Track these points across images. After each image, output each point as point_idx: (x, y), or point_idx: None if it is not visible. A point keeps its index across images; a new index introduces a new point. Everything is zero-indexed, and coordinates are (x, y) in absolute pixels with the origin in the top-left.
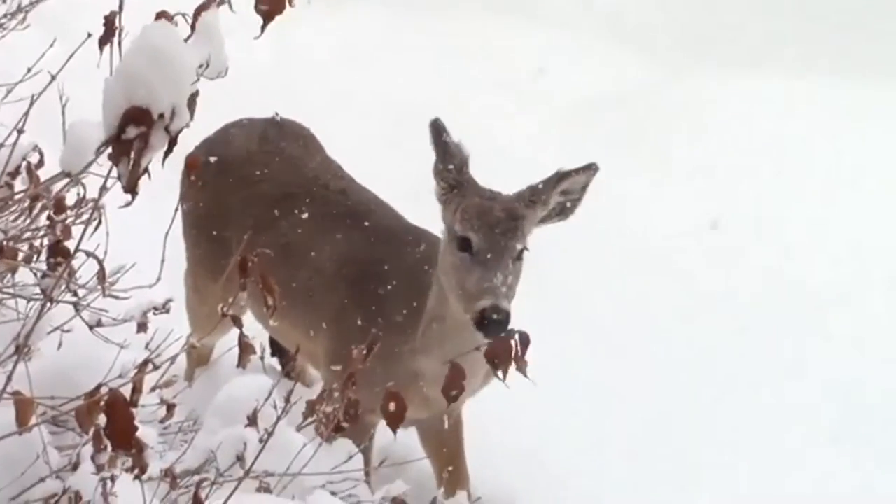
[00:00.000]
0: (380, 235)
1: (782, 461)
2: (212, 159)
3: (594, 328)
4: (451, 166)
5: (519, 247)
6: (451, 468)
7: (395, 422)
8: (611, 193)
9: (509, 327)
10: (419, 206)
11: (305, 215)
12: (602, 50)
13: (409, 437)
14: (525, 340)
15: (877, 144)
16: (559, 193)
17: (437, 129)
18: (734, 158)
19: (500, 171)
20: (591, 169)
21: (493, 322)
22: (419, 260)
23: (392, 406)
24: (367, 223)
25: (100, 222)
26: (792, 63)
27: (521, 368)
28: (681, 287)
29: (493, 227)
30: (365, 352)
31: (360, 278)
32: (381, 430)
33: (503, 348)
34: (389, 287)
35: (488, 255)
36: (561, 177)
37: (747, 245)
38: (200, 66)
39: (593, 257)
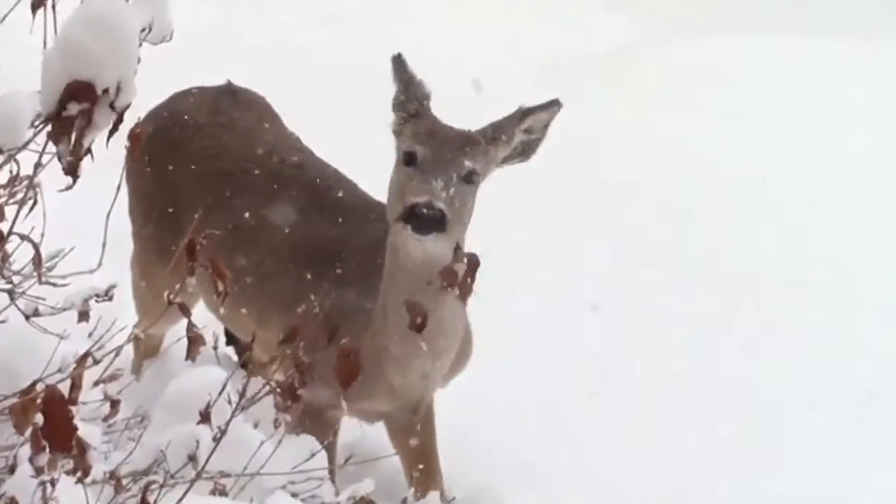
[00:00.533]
0: (340, 213)
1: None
2: (158, 132)
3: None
4: (412, 95)
5: (469, 165)
6: (421, 465)
7: (347, 380)
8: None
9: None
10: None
11: (258, 192)
12: (580, 9)
13: (376, 432)
14: (474, 263)
15: (857, 101)
16: (522, 131)
17: (400, 63)
18: (711, 122)
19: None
20: (554, 105)
21: (422, 216)
22: (380, 237)
23: (344, 367)
24: (326, 200)
25: (35, 202)
26: (765, 22)
27: (464, 293)
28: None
29: (442, 141)
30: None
31: (317, 260)
32: (347, 425)
33: (450, 272)
34: (350, 269)
35: (432, 165)
36: (524, 113)
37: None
38: (143, 30)
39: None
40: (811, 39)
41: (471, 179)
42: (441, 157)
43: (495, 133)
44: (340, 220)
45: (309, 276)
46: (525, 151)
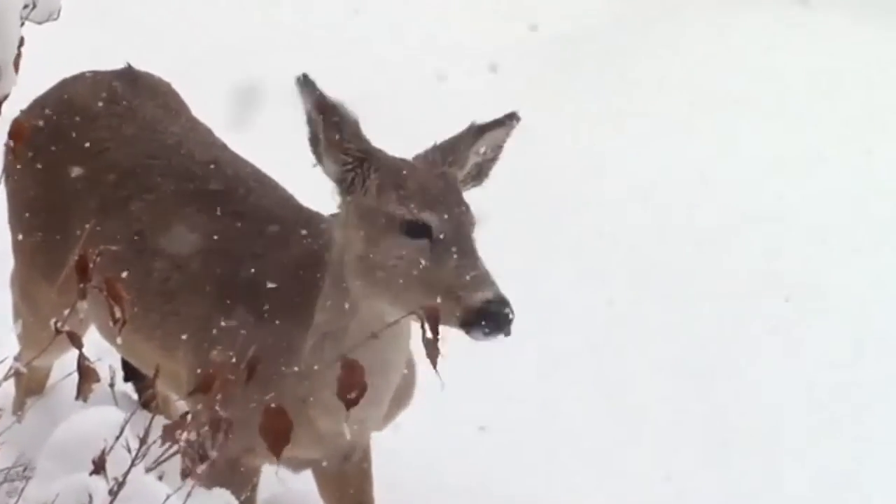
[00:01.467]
0: (260, 221)
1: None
2: (44, 124)
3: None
4: (349, 136)
5: (471, 214)
6: None
7: (277, 446)
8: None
9: None
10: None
11: (163, 195)
12: None
13: (302, 482)
14: (433, 317)
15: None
16: (475, 153)
17: (311, 88)
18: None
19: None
20: (511, 120)
21: (501, 317)
22: (312, 254)
23: (274, 427)
24: (242, 205)
25: None
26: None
27: (432, 356)
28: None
29: (446, 200)
30: (244, 373)
31: (232, 278)
32: (267, 475)
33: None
34: (271, 290)
35: (458, 237)
36: (478, 132)
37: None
38: (25, 6)
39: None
40: (808, 16)
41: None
42: (461, 224)
43: (449, 156)
44: (262, 230)
45: (223, 299)
46: (479, 175)
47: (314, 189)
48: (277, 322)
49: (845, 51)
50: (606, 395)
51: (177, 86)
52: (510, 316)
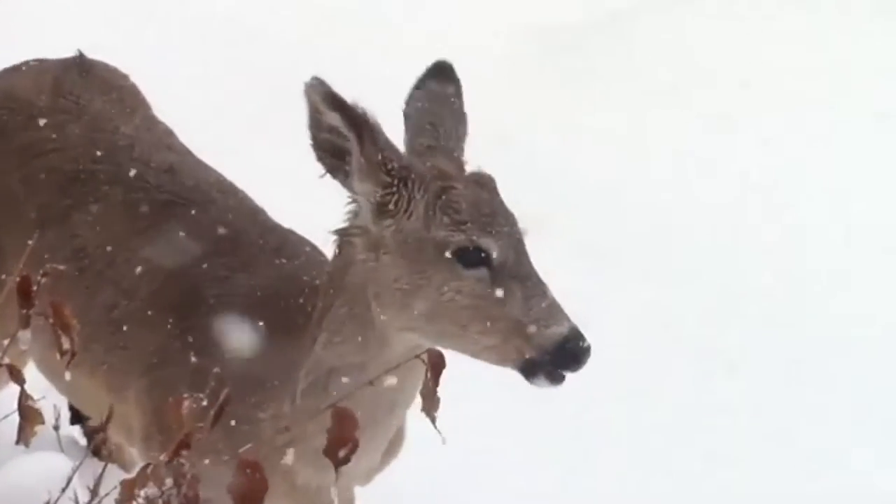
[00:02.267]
0: (224, 238)
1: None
2: None
3: None
4: (387, 153)
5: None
6: None
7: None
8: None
9: None
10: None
11: (110, 205)
12: None
13: None
14: (438, 364)
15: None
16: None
17: (328, 94)
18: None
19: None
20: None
21: (581, 352)
22: (289, 278)
23: (245, 483)
24: (204, 219)
25: None
26: None
27: (429, 408)
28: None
29: (500, 218)
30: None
31: (192, 305)
32: None
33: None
34: (239, 319)
35: (519, 261)
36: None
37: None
38: None
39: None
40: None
41: None
42: (522, 250)
43: (459, 144)
44: (225, 248)
45: (179, 330)
46: None
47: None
48: (249, 358)
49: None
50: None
51: (140, 80)
52: (589, 350)
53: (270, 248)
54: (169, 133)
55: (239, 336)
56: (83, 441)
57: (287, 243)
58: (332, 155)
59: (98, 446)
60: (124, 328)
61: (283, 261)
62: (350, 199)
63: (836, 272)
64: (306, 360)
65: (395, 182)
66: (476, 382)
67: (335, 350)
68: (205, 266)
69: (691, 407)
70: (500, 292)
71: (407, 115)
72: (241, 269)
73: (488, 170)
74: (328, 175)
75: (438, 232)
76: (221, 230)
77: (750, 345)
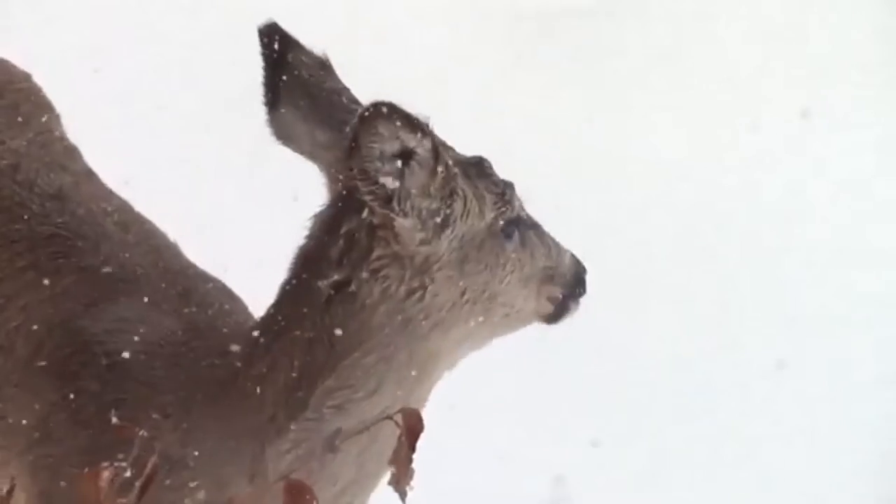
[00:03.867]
0: (116, 280)
1: None
2: None
3: None
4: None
5: None
6: None
7: None
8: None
9: None
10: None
11: None
12: None
13: None
14: (415, 426)
15: None
16: None
17: (405, 119)
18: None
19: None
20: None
21: (584, 270)
22: (199, 329)
23: None
24: (94, 257)
25: None
26: None
27: (400, 479)
28: None
29: (510, 188)
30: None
31: (78, 367)
32: None
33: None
34: (137, 381)
35: (523, 210)
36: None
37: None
38: None
39: None
40: None
41: None
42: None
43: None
44: (122, 296)
45: (68, 397)
46: None
47: None
48: (157, 426)
49: None
50: None
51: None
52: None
53: (175, 294)
54: (69, 151)
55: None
56: None
57: (196, 289)
58: (381, 181)
59: None
60: (1, 395)
61: (193, 309)
62: (358, 229)
63: None
64: (269, 433)
65: (460, 189)
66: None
67: (356, 407)
68: (94, 316)
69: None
70: (528, 250)
71: (312, 97)
72: (137, 319)
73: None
74: (375, 205)
75: (489, 214)
76: (113, 271)
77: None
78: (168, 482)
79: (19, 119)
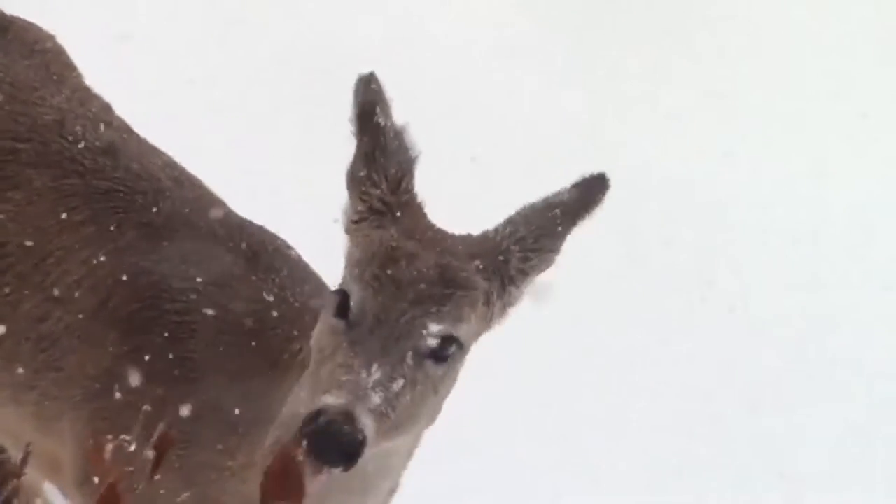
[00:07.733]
0: (185, 238)
1: None
2: None
3: None
4: (381, 175)
5: (437, 330)
6: None
7: None
8: None
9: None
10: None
11: (35, 193)
12: None
13: None
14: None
15: None
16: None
17: (370, 92)
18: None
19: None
20: (601, 186)
21: (318, 431)
22: (268, 299)
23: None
24: (152, 214)
25: None
26: None
27: None
28: None
29: (397, 282)
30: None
31: (147, 321)
32: None
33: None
34: (205, 342)
35: (371, 329)
36: (578, 213)
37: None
38: None
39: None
40: None
41: (446, 357)
42: (389, 315)
43: (525, 253)
44: (192, 256)
45: (128, 350)
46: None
47: None
48: (216, 391)
49: None
50: None
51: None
52: (331, 435)
53: (244, 257)
54: (107, 108)
55: (210, 366)
56: None
57: (263, 250)
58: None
59: (9, 496)
60: (57, 347)
61: (261, 275)
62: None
63: None
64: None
65: (370, 211)
66: None
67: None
68: (162, 272)
69: None
70: (336, 349)
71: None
72: (211, 282)
73: None
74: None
75: (346, 265)
76: (181, 229)
77: None
78: (220, 447)
79: (54, 77)
